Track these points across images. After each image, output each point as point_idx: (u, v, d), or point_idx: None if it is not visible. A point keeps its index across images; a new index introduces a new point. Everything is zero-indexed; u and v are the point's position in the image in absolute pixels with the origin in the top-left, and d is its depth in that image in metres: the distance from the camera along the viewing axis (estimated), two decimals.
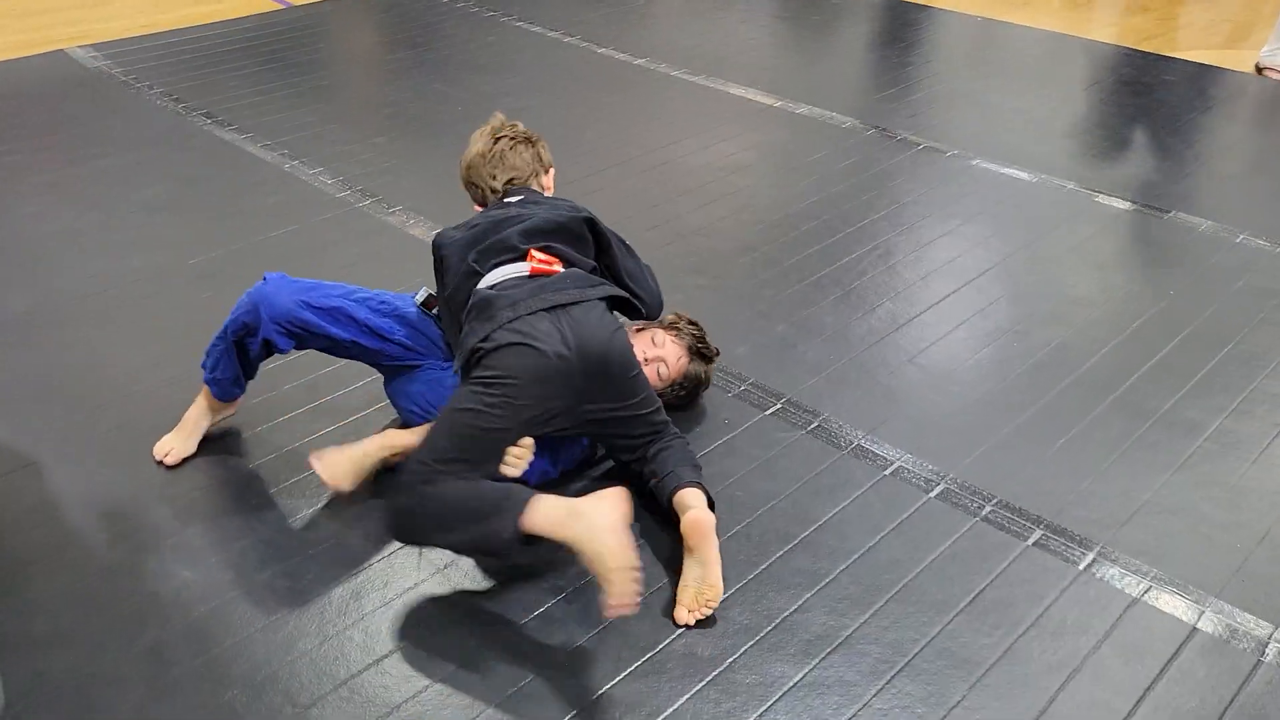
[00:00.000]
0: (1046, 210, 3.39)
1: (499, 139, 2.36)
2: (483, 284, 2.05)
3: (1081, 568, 2.03)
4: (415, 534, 1.88)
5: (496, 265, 2.07)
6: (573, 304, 1.99)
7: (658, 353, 2.29)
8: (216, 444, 2.24)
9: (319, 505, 2.10)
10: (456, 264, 2.09)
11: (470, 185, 2.36)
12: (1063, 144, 3.88)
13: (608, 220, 2.24)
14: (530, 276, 2.04)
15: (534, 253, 2.07)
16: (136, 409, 2.34)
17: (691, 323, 2.39)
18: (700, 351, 2.35)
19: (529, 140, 2.39)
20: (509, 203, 2.24)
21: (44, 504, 2.08)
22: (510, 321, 1.93)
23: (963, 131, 3.97)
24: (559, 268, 2.08)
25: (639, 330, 2.35)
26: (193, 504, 2.10)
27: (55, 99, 3.82)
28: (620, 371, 2.00)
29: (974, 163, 3.70)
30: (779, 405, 2.44)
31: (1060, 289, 2.96)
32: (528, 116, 3.94)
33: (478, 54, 4.52)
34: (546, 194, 2.35)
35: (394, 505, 1.87)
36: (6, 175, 3.32)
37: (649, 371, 2.22)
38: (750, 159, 3.68)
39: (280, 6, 5.05)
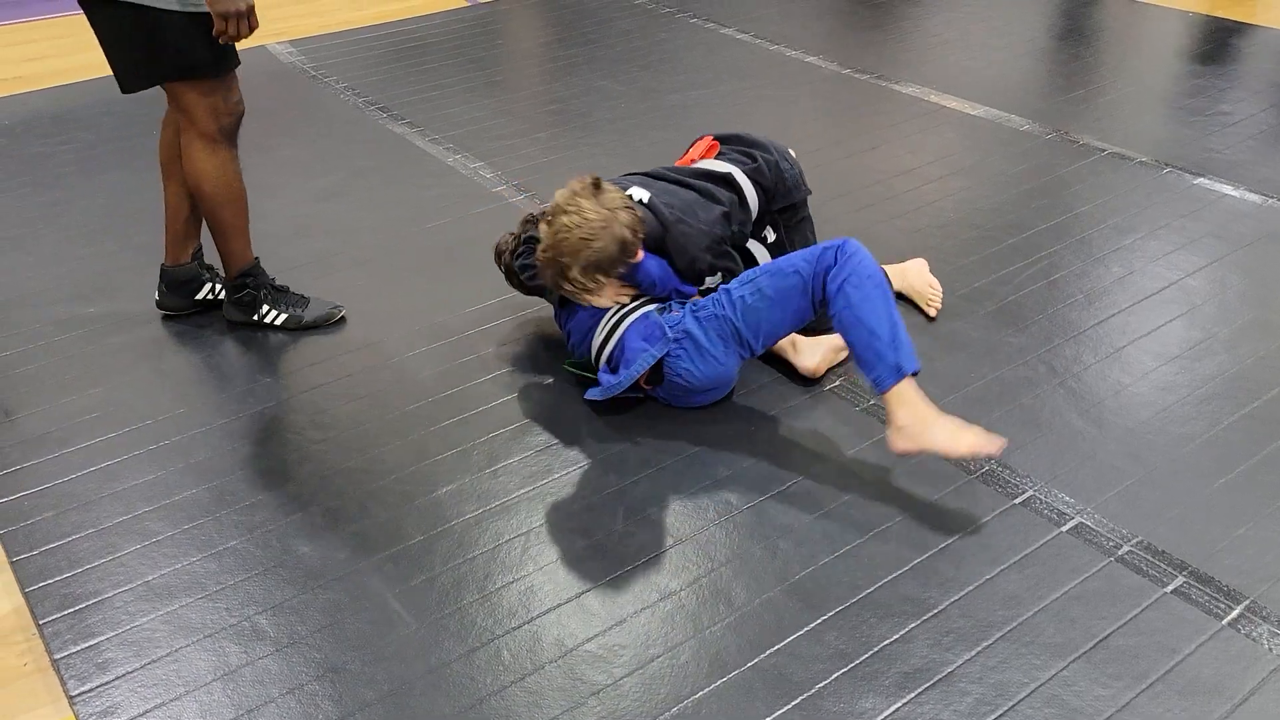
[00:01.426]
0: (1241, 226, 3.10)
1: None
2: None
3: (1225, 622, 1.84)
4: None
5: None
6: None
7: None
8: (353, 429, 2.34)
9: (433, 492, 2.16)
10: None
11: None
12: (1272, 154, 3.54)
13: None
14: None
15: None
16: (283, 386, 2.47)
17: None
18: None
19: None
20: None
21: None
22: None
23: (1154, 137, 3.68)
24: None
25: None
26: (323, 479, 2.19)
27: (251, 92, 4.05)
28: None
29: (1164, 171, 3.43)
30: None
31: (1245, 313, 2.70)
32: (689, 114, 3.97)
33: (648, 50, 4.53)
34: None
35: None
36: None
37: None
38: (914, 162, 3.53)
39: (466, 4, 5.22)
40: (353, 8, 5.17)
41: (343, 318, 2.72)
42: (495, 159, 3.57)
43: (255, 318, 2.65)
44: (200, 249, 2.71)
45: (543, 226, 2.27)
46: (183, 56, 2.28)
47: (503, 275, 2.63)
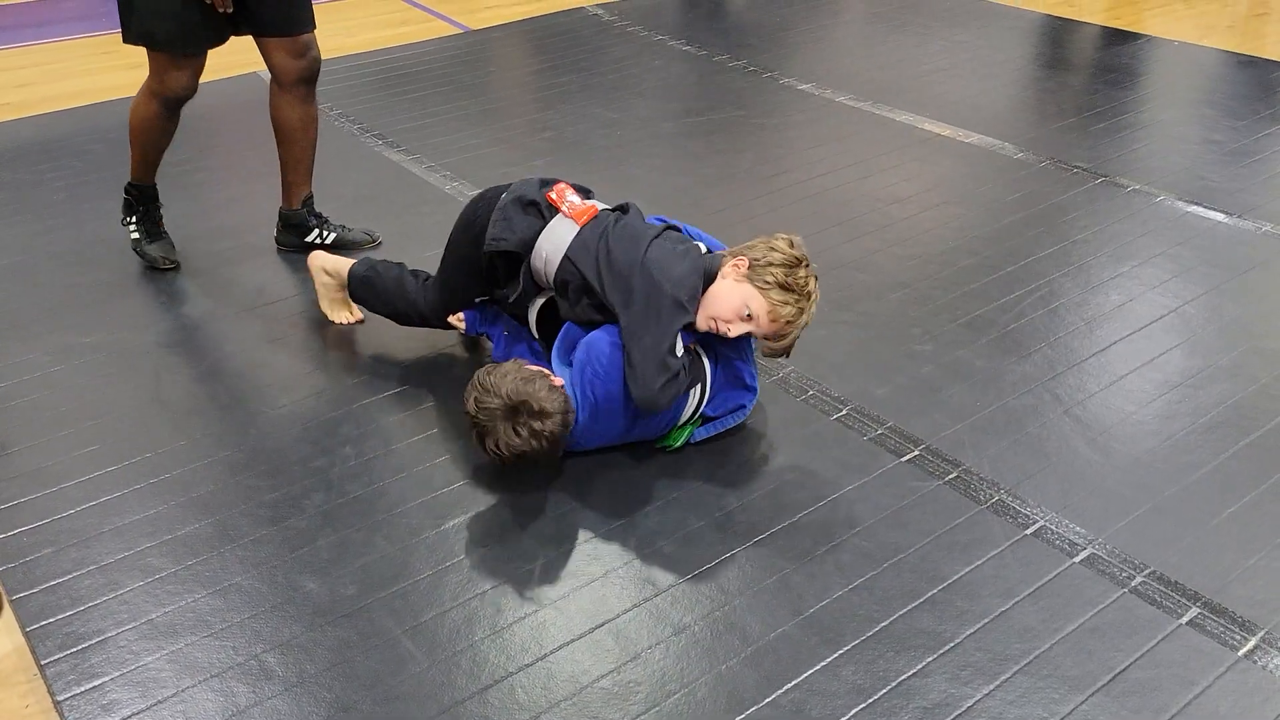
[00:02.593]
0: (1236, 253, 3.13)
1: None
2: None
3: (1241, 654, 1.84)
4: None
5: None
6: None
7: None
8: (353, 461, 2.31)
9: (441, 525, 2.13)
10: None
11: None
12: (1264, 182, 3.58)
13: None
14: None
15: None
16: (285, 417, 2.44)
17: None
18: None
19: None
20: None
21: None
22: None
23: (1148, 165, 3.71)
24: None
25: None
26: (328, 514, 2.16)
27: (246, 119, 4.05)
28: None
29: (1159, 199, 3.46)
30: (916, 452, 2.33)
31: (1244, 341, 2.72)
32: (684, 141, 3.98)
33: (641, 78, 4.54)
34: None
35: None
36: (194, 191, 3.53)
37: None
38: (910, 190, 3.55)
39: (459, 31, 5.23)
40: (343, 34, 5.16)
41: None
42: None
43: (124, 220, 3.08)
44: (310, 197, 3.14)
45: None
46: (144, 26, 2.67)
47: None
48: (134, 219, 3.07)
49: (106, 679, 1.81)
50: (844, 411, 2.46)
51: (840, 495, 2.21)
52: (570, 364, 2.27)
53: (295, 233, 3.17)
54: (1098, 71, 4.65)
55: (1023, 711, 1.74)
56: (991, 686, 1.79)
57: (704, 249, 2.34)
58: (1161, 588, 1.98)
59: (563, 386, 2.19)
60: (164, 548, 2.08)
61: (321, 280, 2.76)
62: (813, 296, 2.24)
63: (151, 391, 2.55)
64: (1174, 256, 3.12)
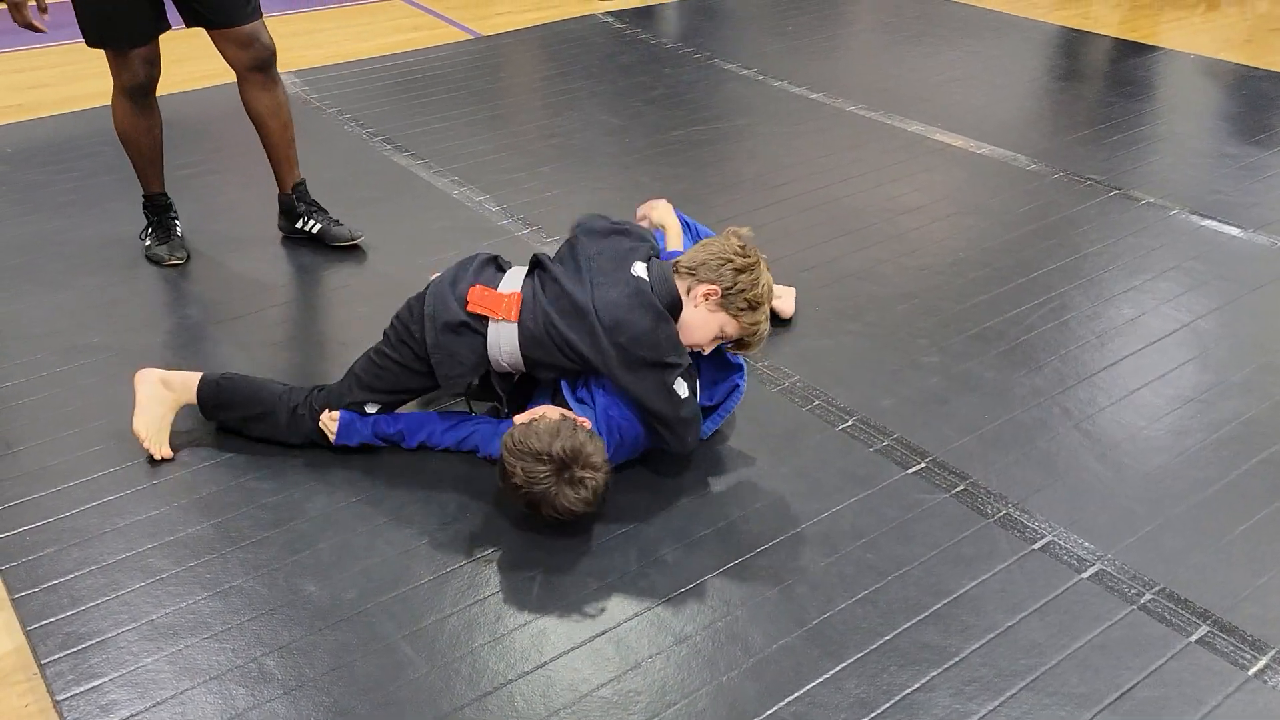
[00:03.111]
0: (1250, 268, 3.10)
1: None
2: None
3: (1251, 673, 1.82)
4: None
5: None
6: None
7: None
8: (350, 463, 2.30)
9: (443, 530, 2.12)
10: None
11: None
12: (1278, 196, 3.55)
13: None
14: None
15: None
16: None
17: None
18: None
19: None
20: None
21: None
22: None
23: (1164, 178, 3.69)
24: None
25: None
26: (329, 517, 2.15)
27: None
28: None
29: (1173, 213, 3.43)
30: (923, 464, 2.31)
31: (1257, 356, 2.69)
32: (692, 149, 3.97)
33: (651, 86, 4.54)
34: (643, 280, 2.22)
35: None
36: (203, 194, 3.53)
37: None
38: (920, 200, 3.53)
39: (469, 37, 5.24)
40: (355, 39, 5.17)
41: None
42: (500, 192, 3.55)
43: (141, 234, 3.17)
44: (301, 183, 3.18)
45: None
46: (83, 26, 2.82)
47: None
48: (149, 230, 3.14)
49: (106, 679, 1.80)
50: (850, 422, 2.45)
51: (845, 506, 2.19)
52: (581, 399, 2.24)
53: (286, 218, 3.23)
54: (1112, 83, 4.63)
55: None
56: (996, 703, 1.77)
57: (648, 248, 2.29)
58: (1171, 605, 1.96)
59: (592, 429, 2.14)
60: (165, 549, 2.07)
61: (152, 393, 2.31)
62: (771, 294, 2.27)
63: None
64: (1187, 270, 3.09)
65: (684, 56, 4.90)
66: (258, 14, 2.93)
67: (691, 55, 4.91)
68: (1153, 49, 5.07)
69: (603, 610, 1.95)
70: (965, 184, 3.68)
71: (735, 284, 2.19)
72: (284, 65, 4.67)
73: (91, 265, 3.10)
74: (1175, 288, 3.01)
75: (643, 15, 5.49)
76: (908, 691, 1.79)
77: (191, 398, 2.33)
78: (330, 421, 2.28)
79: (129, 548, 2.07)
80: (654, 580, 2.01)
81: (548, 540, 2.10)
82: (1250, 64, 4.86)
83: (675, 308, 2.20)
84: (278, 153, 3.13)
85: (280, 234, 3.26)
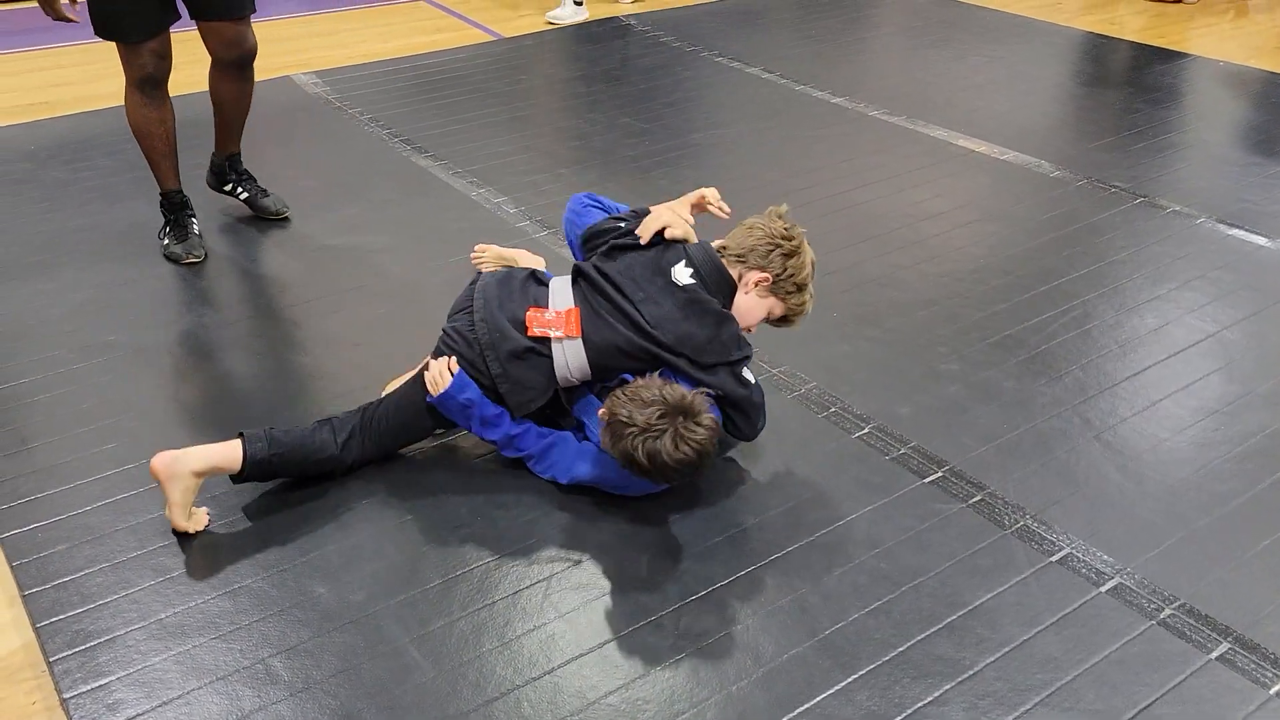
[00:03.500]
0: (1277, 278, 3.05)
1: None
2: None
3: (1273, 692, 1.78)
4: None
5: None
6: None
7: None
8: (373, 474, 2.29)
9: (453, 533, 2.11)
10: None
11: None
12: None
13: None
14: None
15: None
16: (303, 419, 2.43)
17: None
18: None
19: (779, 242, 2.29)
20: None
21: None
22: None
23: (1189, 186, 3.64)
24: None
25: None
26: (339, 518, 2.14)
27: (276, 122, 4.07)
28: None
29: (1199, 221, 3.38)
30: (940, 474, 2.28)
31: None
32: (713, 152, 3.94)
33: (672, 88, 4.52)
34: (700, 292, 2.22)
35: None
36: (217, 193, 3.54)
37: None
38: (942, 206, 3.50)
39: (491, 38, 5.24)
40: (377, 40, 5.18)
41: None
42: (518, 194, 3.54)
43: (159, 233, 3.19)
44: (235, 155, 3.31)
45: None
46: (94, 21, 2.85)
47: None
48: (167, 230, 3.16)
49: (113, 678, 1.79)
50: (866, 430, 2.42)
51: (860, 515, 2.16)
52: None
53: (215, 177, 3.37)
54: (1138, 90, 4.58)
55: None
56: (1011, 717, 1.74)
57: (680, 247, 2.26)
58: (1191, 621, 1.92)
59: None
60: (176, 547, 2.07)
61: (189, 487, 2.08)
62: (814, 270, 2.34)
63: (171, 391, 2.55)
64: (1213, 280, 3.05)
65: (706, 59, 4.88)
66: (253, 7, 3.01)
67: (713, 58, 4.89)
68: (1180, 55, 5.00)
69: (612, 617, 1.93)
70: (988, 190, 3.64)
71: (785, 269, 2.25)
72: (306, 65, 4.70)
73: (110, 263, 3.11)
74: (1200, 297, 2.96)
75: (665, 18, 5.47)
76: (920, 705, 1.76)
77: (227, 468, 2.11)
78: (443, 374, 2.16)
79: (140, 546, 2.07)
80: (665, 587, 1.99)
81: (558, 546, 2.08)
82: (1276, 70, 4.79)
83: (731, 293, 2.25)
84: (231, 126, 3.24)
85: (205, 189, 3.39)
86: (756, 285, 2.25)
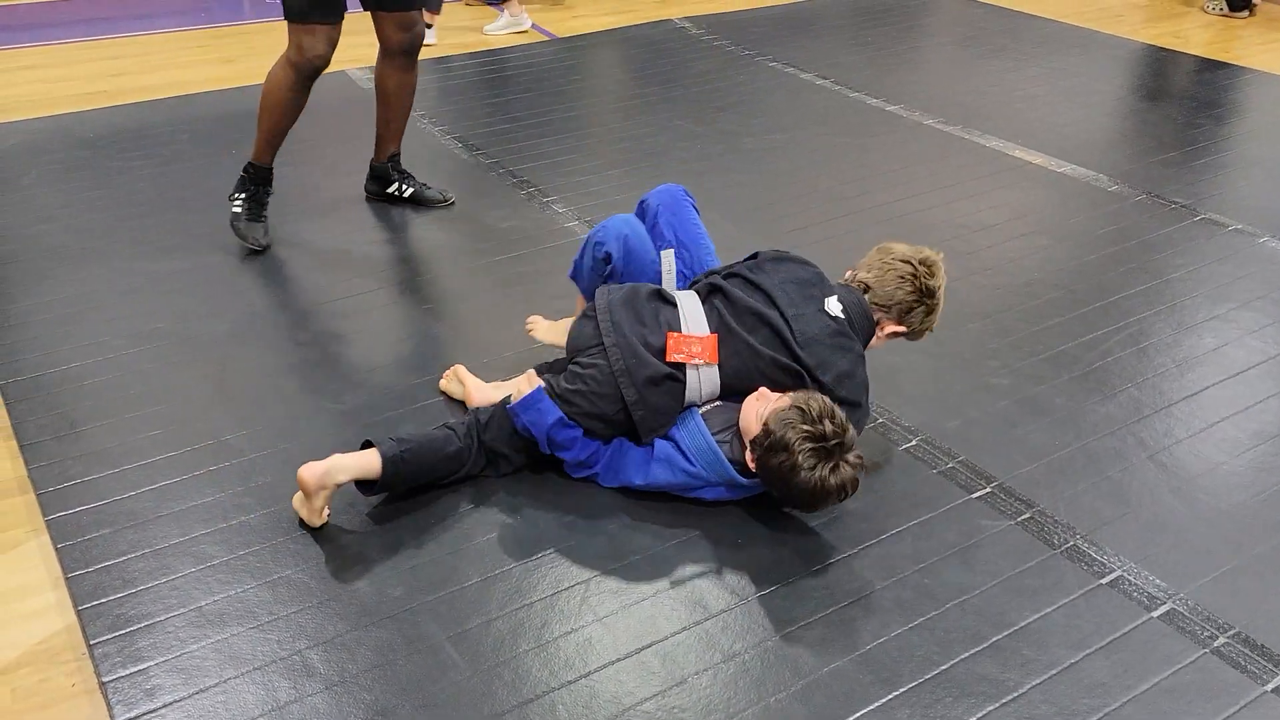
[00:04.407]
0: None
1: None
2: None
3: None
4: None
5: None
6: None
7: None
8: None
9: (492, 533, 2.10)
10: None
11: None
12: None
13: (830, 269, 2.28)
14: None
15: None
16: (346, 413, 2.44)
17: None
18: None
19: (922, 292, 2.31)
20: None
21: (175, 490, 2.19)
22: None
23: (1252, 204, 3.55)
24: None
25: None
26: (380, 513, 2.14)
27: (330, 117, 4.10)
28: None
29: (1261, 240, 3.30)
30: (988, 489, 2.23)
31: None
32: (766, 158, 3.91)
33: (726, 93, 4.49)
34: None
35: None
36: (274, 186, 3.57)
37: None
38: (997, 218, 3.44)
39: (545, 38, 5.24)
40: (430, 38, 5.20)
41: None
42: (568, 194, 3.54)
43: (232, 195, 3.21)
44: (396, 154, 3.43)
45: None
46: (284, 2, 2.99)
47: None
48: (242, 195, 3.20)
49: (152, 663, 1.80)
50: (914, 442, 2.38)
51: (905, 529, 2.12)
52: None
53: (377, 183, 3.46)
54: (1200, 105, 4.48)
55: None
56: None
57: (827, 284, 2.26)
58: (1246, 650, 1.86)
59: None
60: (218, 535, 2.08)
61: (327, 497, 2.07)
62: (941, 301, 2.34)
63: (217, 380, 2.56)
64: (1275, 301, 2.97)
65: (760, 64, 4.85)
66: (420, 5, 3.21)
67: (767, 63, 4.86)
68: (1244, 70, 4.89)
69: (650, 622, 1.91)
70: (1043, 203, 3.58)
71: (923, 325, 2.32)
72: (355, 61, 4.73)
73: (161, 252, 3.14)
74: (1262, 318, 2.88)
75: (720, 22, 5.45)
76: None
77: (369, 474, 2.08)
78: (529, 381, 2.17)
79: (182, 533, 2.08)
80: (704, 595, 1.97)
81: (599, 549, 2.07)
82: None
83: (868, 338, 2.27)
84: (392, 125, 3.37)
85: (366, 195, 3.49)
86: (890, 335, 2.32)
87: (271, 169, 3.20)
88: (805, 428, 1.97)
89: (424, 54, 4.58)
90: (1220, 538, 2.11)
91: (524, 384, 2.19)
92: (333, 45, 2.99)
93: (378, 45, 3.21)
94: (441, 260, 3.13)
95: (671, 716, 1.73)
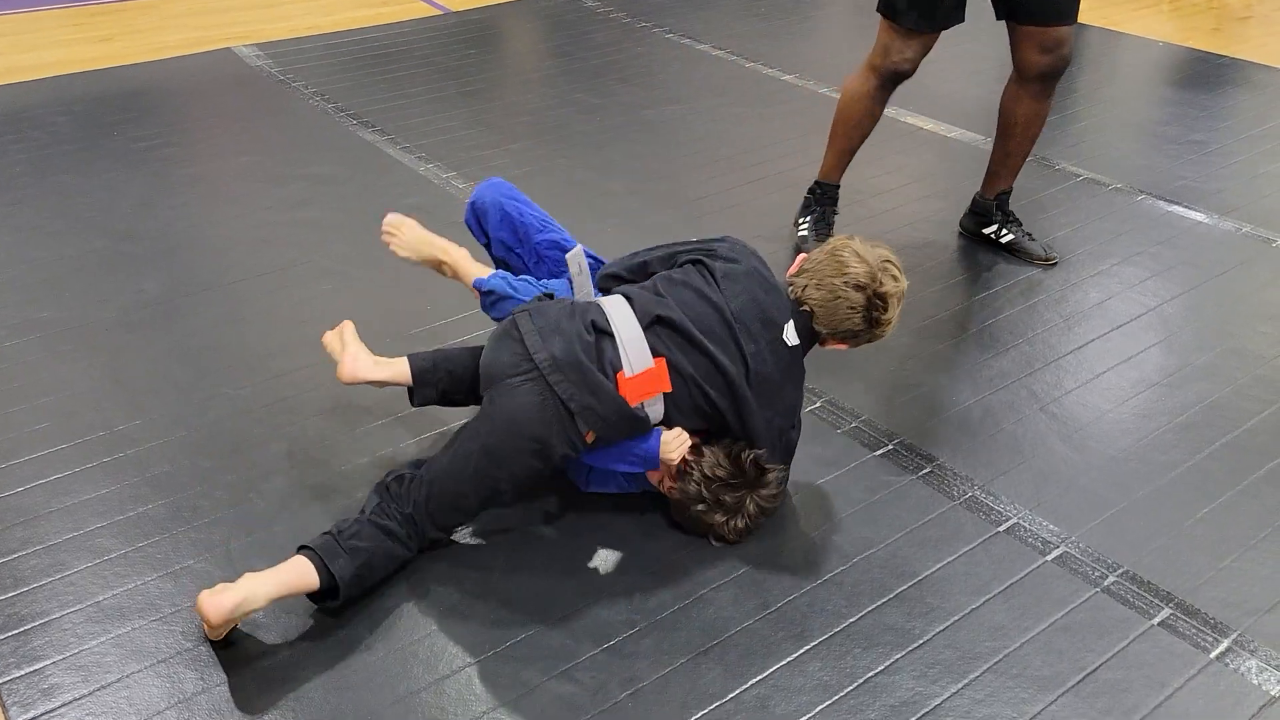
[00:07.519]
0: (1215, 254, 3.11)
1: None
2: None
3: (1213, 656, 1.81)
4: None
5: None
6: None
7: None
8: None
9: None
10: None
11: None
12: (1245, 184, 3.56)
13: (736, 234, 2.14)
14: None
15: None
16: (245, 398, 2.38)
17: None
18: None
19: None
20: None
21: (138, 488, 2.12)
22: None
23: (1130, 164, 3.69)
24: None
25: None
26: (285, 497, 2.10)
27: (216, 95, 3.98)
28: None
29: (1139, 199, 3.43)
30: (890, 446, 2.29)
31: (1221, 341, 2.69)
32: (666, 129, 3.92)
33: (625, 65, 4.48)
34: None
35: None
36: (159, 167, 3.45)
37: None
38: (891, 183, 3.51)
39: (439, 12, 5.16)
40: (322, 13, 5.07)
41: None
42: (468, 169, 3.49)
43: (798, 219, 3.09)
44: (1007, 192, 3.08)
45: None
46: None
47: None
48: (808, 218, 3.05)
49: (48, 662, 1.75)
50: (817, 404, 2.42)
51: (812, 488, 2.17)
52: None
53: (975, 220, 3.14)
54: (1081, 70, 4.62)
55: (991, 711, 1.71)
56: (960, 685, 1.75)
57: (786, 300, 2.05)
58: (1134, 587, 1.95)
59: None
60: (115, 528, 2.02)
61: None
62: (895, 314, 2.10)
63: (109, 369, 2.48)
64: (1154, 255, 3.09)
65: (657, 36, 4.85)
66: (1075, 19, 2.76)
67: (664, 35, 4.86)
68: (1122, 35, 5.06)
69: (568, 591, 1.91)
70: (936, 167, 3.66)
71: (870, 338, 2.08)
72: (247, 38, 4.59)
73: (45, 239, 3.02)
74: (1141, 272, 3.01)
75: None
76: (871, 674, 1.77)
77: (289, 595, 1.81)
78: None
79: (76, 527, 2.02)
80: (621, 562, 1.98)
81: (505, 533, 2.06)
82: (1221, 53, 4.86)
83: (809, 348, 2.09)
84: (1010, 160, 3.02)
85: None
86: (831, 348, 2.12)
87: (838, 187, 3.04)
88: (706, 483, 1.95)
89: (314, 29, 4.44)
90: (1108, 482, 2.21)
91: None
92: (924, 54, 2.78)
93: (1011, 67, 2.86)
94: (341, 238, 3.07)
95: (598, 683, 1.74)
